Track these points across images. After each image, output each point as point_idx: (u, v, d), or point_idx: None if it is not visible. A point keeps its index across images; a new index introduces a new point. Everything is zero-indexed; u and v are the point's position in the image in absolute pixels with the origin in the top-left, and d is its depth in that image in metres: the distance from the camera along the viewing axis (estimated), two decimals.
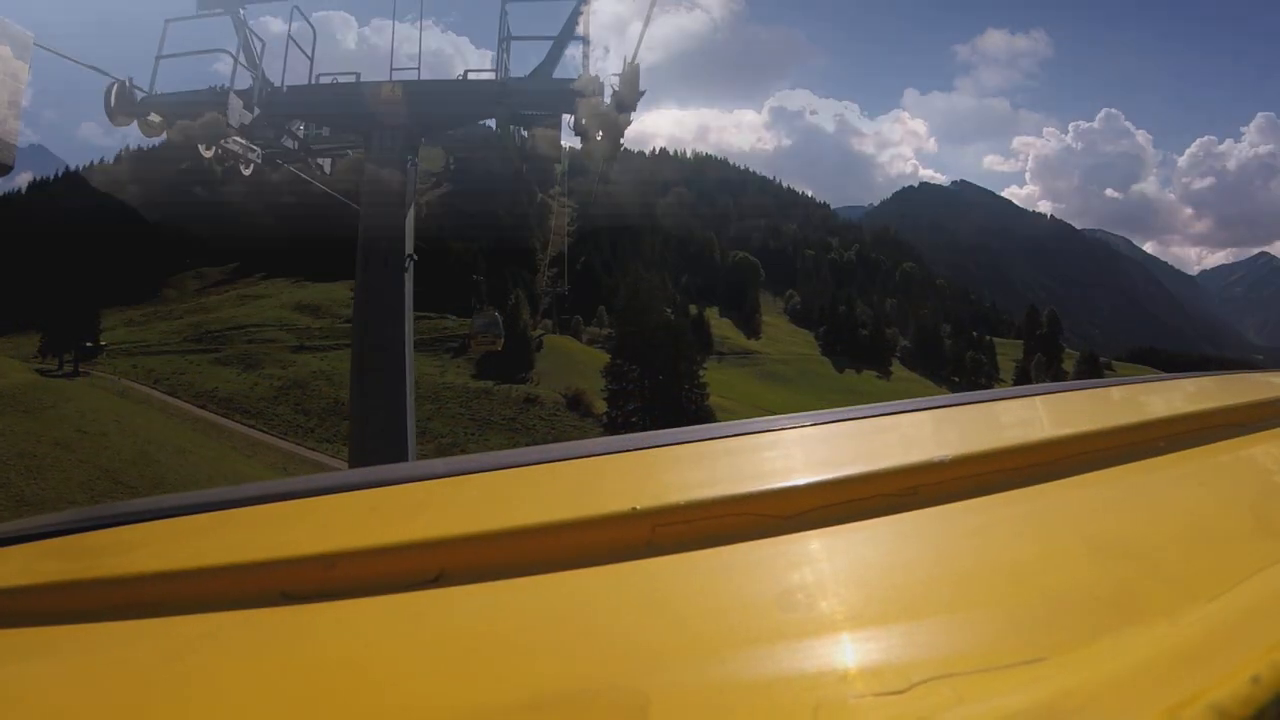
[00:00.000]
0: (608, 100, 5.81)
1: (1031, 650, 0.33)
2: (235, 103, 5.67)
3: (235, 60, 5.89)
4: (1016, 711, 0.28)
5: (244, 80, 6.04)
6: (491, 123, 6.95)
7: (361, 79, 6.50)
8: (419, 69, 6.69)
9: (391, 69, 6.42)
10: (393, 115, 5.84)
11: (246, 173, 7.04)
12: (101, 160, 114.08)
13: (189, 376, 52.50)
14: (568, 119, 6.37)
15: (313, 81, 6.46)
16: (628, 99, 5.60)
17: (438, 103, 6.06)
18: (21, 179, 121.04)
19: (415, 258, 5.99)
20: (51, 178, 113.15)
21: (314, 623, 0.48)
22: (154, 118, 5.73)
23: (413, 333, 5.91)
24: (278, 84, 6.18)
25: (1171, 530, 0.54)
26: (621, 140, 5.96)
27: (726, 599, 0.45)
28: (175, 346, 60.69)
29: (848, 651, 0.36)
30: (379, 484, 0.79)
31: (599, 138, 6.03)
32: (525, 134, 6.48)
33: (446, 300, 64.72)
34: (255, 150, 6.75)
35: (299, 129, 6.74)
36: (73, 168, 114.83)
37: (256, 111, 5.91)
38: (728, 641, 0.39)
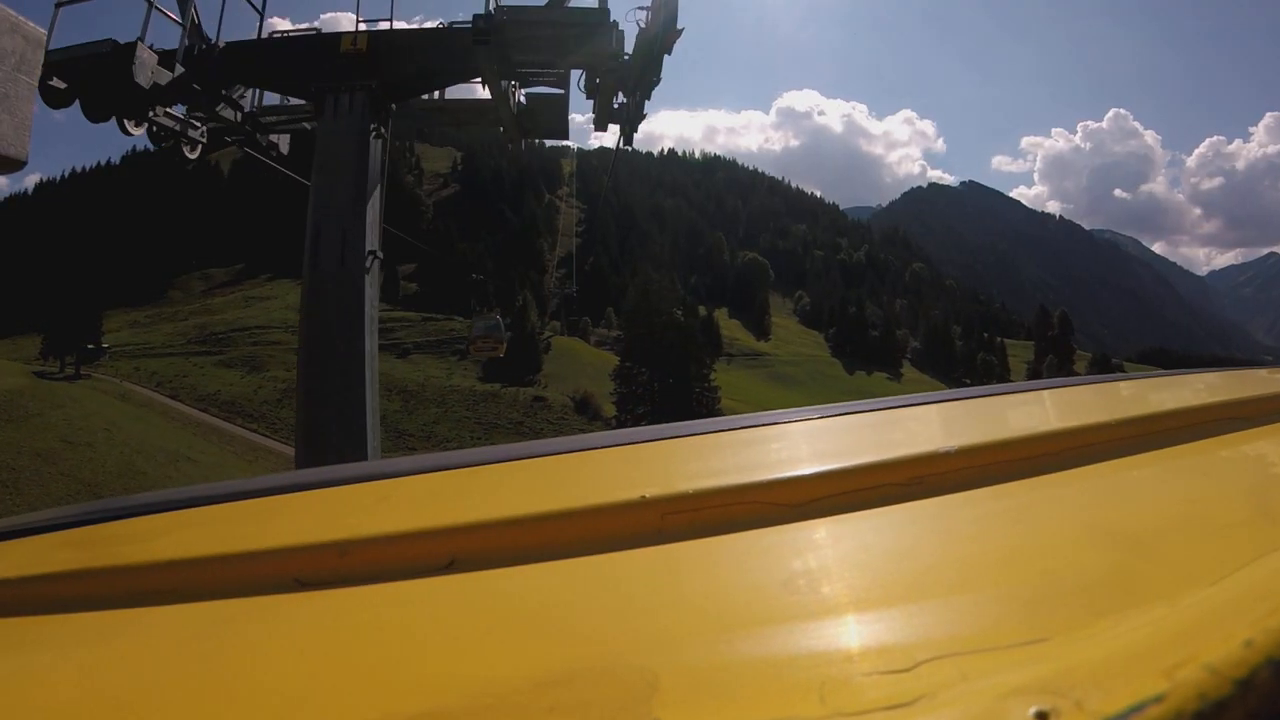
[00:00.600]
0: (629, 51, 4.28)
1: (1033, 631, 0.33)
2: (145, 57, 4.28)
3: (149, 2, 4.52)
4: (1018, 687, 0.28)
5: (174, 37, 4.83)
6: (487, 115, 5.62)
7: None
8: (390, 19, 5.04)
9: (357, 21, 4.78)
10: (354, 73, 4.52)
11: (192, 156, 5.79)
12: (107, 160, 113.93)
13: (192, 379, 51.56)
14: (578, 88, 5.07)
15: (262, 38, 5.16)
16: (660, 39, 3.96)
17: (410, 54, 4.50)
18: (29, 179, 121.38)
19: (380, 255, 4.57)
20: (58, 178, 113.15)
21: (327, 608, 0.48)
22: (57, 83, 4.51)
23: (376, 351, 4.54)
24: (217, 41, 4.90)
25: (1173, 519, 0.54)
26: (645, 109, 4.63)
27: (735, 583, 0.46)
28: (179, 348, 59.87)
29: (853, 633, 0.36)
30: (391, 475, 0.79)
31: (617, 103, 4.65)
32: (523, 99, 5.16)
33: (453, 301, 63.59)
34: (197, 126, 5.49)
35: (242, 96, 5.43)
36: (79, 168, 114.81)
37: (179, 70, 4.49)
38: (736, 623, 0.39)
